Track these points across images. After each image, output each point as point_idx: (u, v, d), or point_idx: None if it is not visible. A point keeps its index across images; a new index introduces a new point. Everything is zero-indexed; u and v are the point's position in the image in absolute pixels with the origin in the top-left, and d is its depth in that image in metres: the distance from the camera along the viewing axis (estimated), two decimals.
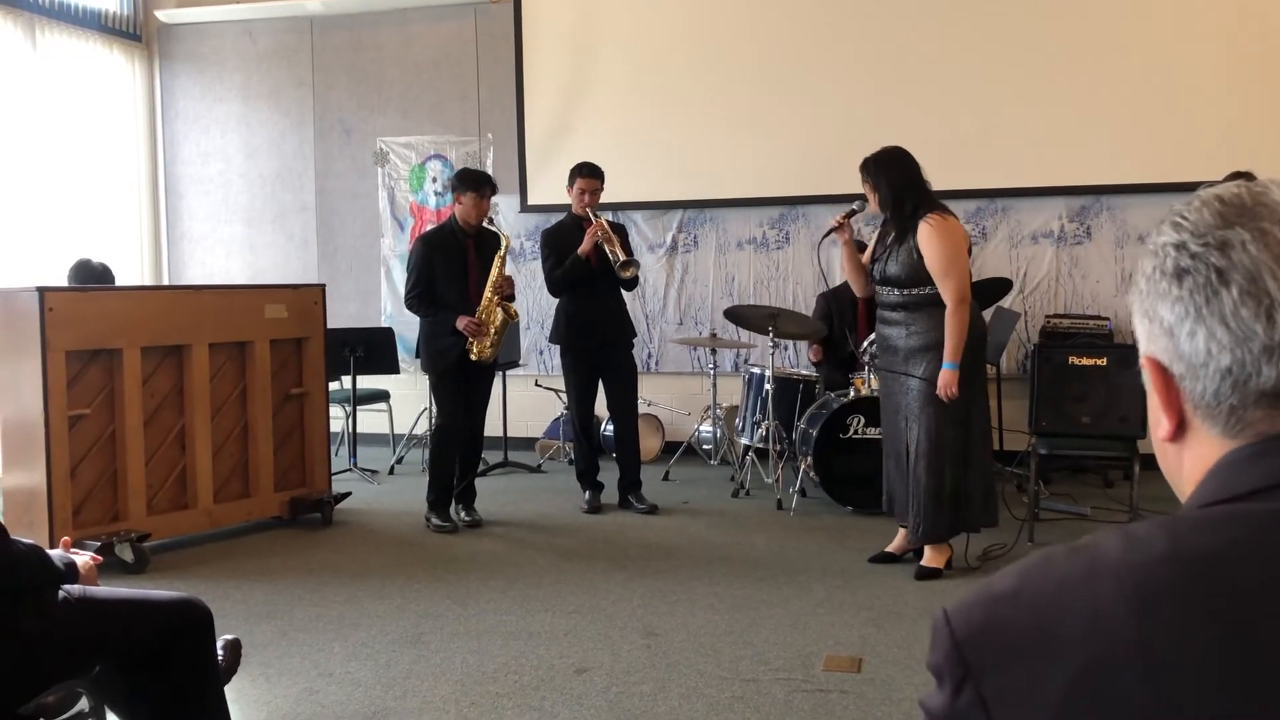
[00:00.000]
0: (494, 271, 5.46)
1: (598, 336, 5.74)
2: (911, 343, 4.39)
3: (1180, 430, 0.82)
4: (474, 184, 5.47)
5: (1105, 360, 4.95)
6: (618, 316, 5.83)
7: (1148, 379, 0.83)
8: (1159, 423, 0.83)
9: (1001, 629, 0.74)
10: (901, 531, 4.65)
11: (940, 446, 4.35)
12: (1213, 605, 0.69)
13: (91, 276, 5.35)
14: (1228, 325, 0.76)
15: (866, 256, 4.64)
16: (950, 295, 4.27)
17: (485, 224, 5.54)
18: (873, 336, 5.49)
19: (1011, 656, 0.73)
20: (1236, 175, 4.66)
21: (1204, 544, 0.72)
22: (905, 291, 4.39)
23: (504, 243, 5.53)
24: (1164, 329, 0.80)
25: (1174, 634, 0.69)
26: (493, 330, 5.43)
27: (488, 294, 5.44)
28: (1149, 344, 0.82)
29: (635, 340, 6.10)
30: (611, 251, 5.59)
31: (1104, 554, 0.74)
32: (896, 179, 4.38)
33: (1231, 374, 0.76)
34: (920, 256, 4.30)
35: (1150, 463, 5.17)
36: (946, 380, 4.28)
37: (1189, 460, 0.82)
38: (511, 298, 5.56)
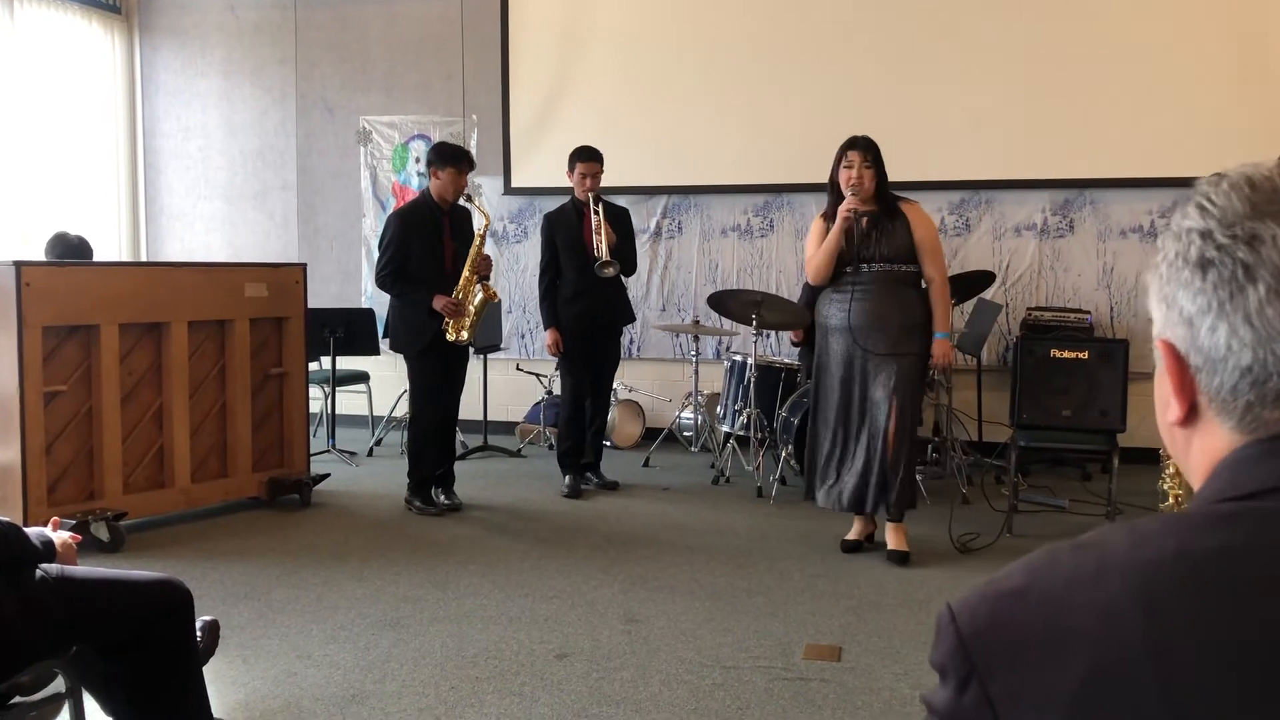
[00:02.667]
0: (473, 250, 5.41)
1: (592, 320, 5.77)
2: (903, 319, 4.49)
3: (1191, 416, 0.79)
4: (453, 159, 5.39)
5: (1086, 354, 4.98)
6: (615, 301, 5.88)
7: (1161, 361, 0.80)
8: (1169, 406, 0.81)
9: (1009, 627, 0.73)
10: (858, 520, 4.71)
11: (915, 421, 4.56)
12: (1221, 604, 0.68)
13: (69, 249, 5.28)
14: (1251, 324, 0.73)
15: (834, 246, 4.50)
16: (939, 271, 4.55)
17: (465, 202, 5.50)
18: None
19: (1019, 655, 0.72)
20: (1219, 178, 4.71)
21: (1212, 542, 0.71)
22: (899, 268, 4.49)
23: (484, 221, 5.49)
24: (1183, 318, 0.77)
25: (1183, 633, 0.68)
26: (471, 310, 5.38)
27: (466, 273, 5.38)
28: (1165, 328, 0.80)
29: (625, 326, 6.16)
30: (595, 246, 5.60)
31: (1112, 551, 0.73)
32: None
33: (1251, 372, 0.74)
34: (909, 235, 4.47)
35: (1129, 456, 5.24)
36: (946, 349, 4.55)
37: (1198, 447, 0.80)
38: (487, 277, 5.51)
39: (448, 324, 5.33)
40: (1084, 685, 0.69)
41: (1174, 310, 0.78)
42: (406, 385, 7.07)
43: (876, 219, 4.49)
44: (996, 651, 0.73)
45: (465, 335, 5.38)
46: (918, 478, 4.84)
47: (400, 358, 5.71)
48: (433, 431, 5.52)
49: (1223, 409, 0.77)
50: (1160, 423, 0.84)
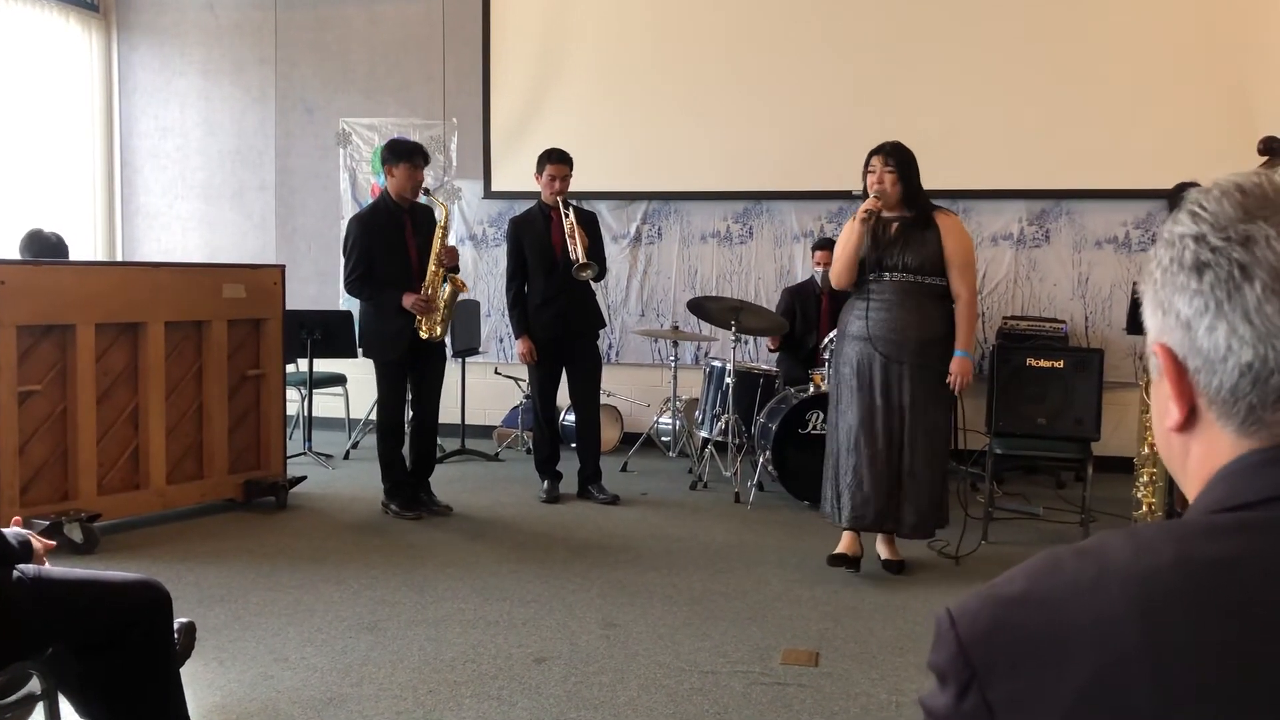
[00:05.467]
0: (436, 243, 5.36)
1: (562, 326, 5.70)
2: (922, 333, 4.35)
3: (1190, 420, 0.80)
4: (406, 154, 5.33)
5: (1062, 363, 5.02)
6: (584, 307, 5.79)
7: (1159, 366, 0.80)
8: (1167, 411, 0.81)
9: (1009, 632, 0.73)
10: (848, 535, 4.51)
11: (941, 443, 4.42)
12: (1220, 614, 0.68)
13: (45, 247, 5.24)
14: (1250, 321, 0.74)
15: (853, 247, 4.42)
16: (968, 288, 4.37)
17: (424, 197, 5.46)
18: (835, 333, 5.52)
19: (1019, 661, 0.72)
20: (1184, 186, 4.76)
21: (1212, 552, 0.71)
22: (920, 280, 4.35)
23: (443, 213, 5.47)
24: (1180, 322, 0.78)
25: (1181, 642, 0.68)
26: (441, 305, 5.34)
27: (432, 268, 5.33)
28: (1162, 333, 0.80)
29: (600, 331, 6.08)
30: (572, 249, 5.56)
31: (1112, 559, 0.73)
32: (918, 173, 4.42)
33: (1252, 369, 0.74)
34: (939, 247, 4.33)
35: (1103, 465, 5.28)
36: (965, 368, 4.37)
37: (1196, 452, 0.80)
38: (456, 269, 5.47)
39: (420, 322, 5.30)
40: (1082, 692, 0.69)
41: (1170, 315, 0.79)
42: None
43: (906, 227, 4.36)
44: (997, 657, 0.73)
45: (439, 330, 5.35)
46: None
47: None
48: (400, 436, 5.49)
49: (1223, 411, 0.77)
50: (1157, 431, 0.84)
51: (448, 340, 5.69)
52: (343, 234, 7.81)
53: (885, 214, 4.40)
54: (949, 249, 4.33)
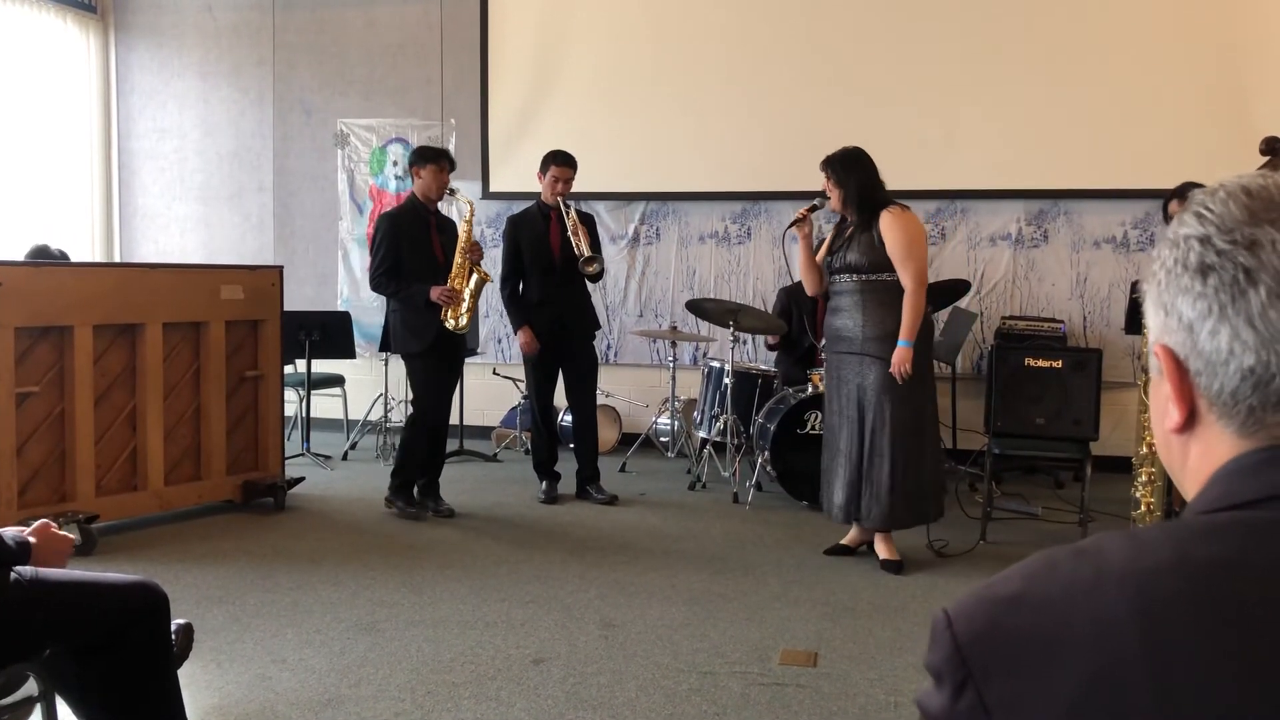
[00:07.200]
0: (462, 236, 5.41)
1: (558, 326, 5.70)
2: (868, 331, 4.47)
3: (1190, 421, 0.80)
4: (433, 157, 5.44)
5: (1060, 363, 5.02)
6: (581, 307, 5.79)
7: (1160, 367, 0.80)
8: (1167, 413, 0.81)
9: (1005, 633, 0.73)
10: (856, 526, 4.69)
11: (901, 434, 4.44)
12: (1219, 614, 0.68)
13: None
14: (1254, 326, 0.74)
15: (821, 254, 4.71)
16: (910, 277, 4.41)
17: (448, 196, 5.52)
18: None
19: (1016, 662, 0.72)
20: (1188, 186, 4.76)
21: (1210, 552, 0.71)
22: (865, 278, 4.48)
23: (469, 208, 5.50)
24: (1182, 324, 0.78)
25: (1180, 643, 0.68)
26: (466, 295, 5.37)
27: (457, 260, 5.38)
28: (1163, 335, 0.80)
29: (597, 332, 6.08)
30: (576, 245, 5.56)
31: (1110, 559, 0.73)
32: (863, 178, 4.52)
33: (1254, 374, 0.75)
34: (882, 244, 4.43)
35: (1101, 465, 5.28)
36: (902, 357, 4.40)
37: (1195, 453, 0.80)
38: (479, 262, 5.48)
39: (446, 313, 5.32)
40: (1080, 693, 0.69)
41: (1173, 316, 0.79)
42: (384, 389, 7.12)
43: (857, 228, 4.52)
44: (993, 658, 0.73)
45: (464, 320, 5.37)
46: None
47: (377, 361, 5.68)
48: (432, 432, 5.49)
49: (1224, 413, 0.77)
50: (1157, 432, 0.84)
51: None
52: (342, 233, 7.91)
53: (850, 219, 4.59)
54: (887, 244, 4.44)
